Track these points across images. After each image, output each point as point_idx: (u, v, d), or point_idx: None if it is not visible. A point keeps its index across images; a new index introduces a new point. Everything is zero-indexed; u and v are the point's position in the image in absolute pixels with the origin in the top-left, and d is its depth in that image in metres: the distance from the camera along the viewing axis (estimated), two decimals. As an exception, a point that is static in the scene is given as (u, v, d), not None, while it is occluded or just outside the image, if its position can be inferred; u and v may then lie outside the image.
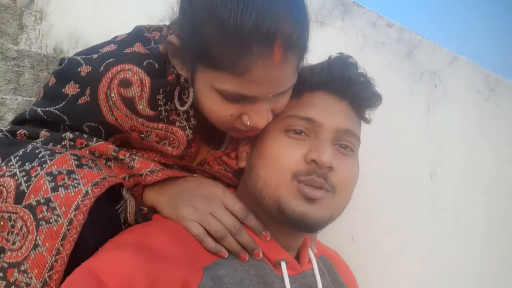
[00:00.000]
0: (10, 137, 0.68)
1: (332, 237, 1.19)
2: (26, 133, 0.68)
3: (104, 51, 0.68)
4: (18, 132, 0.68)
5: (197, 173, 0.78)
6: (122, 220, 0.65)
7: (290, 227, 0.69)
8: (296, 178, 0.64)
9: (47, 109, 0.68)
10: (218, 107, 0.62)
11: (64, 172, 0.59)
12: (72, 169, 0.60)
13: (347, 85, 0.70)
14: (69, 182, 0.58)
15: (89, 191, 0.57)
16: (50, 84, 0.69)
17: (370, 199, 1.18)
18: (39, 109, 0.68)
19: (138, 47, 0.68)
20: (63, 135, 0.68)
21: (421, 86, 1.13)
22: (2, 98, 1.46)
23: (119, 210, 0.65)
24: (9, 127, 0.69)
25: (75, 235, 0.55)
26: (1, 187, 0.58)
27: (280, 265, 0.69)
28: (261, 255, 0.67)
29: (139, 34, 0.72)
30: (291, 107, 0.68)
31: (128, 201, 0.66)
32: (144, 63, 0.66)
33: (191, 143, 0.77)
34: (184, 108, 0.70)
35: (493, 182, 0.99)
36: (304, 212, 0.64)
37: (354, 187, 0.73)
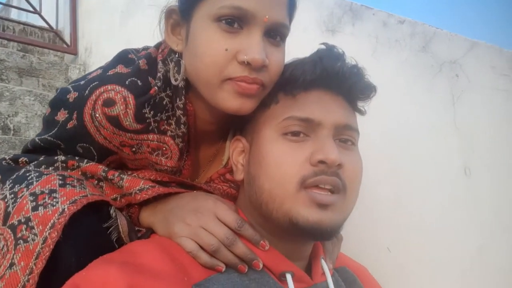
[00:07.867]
0: (13, 164, 0.72)
1: (368, 250, 1.12)
2: (27, 160, 0.72)
3: (91, 76, 0.72)
4: (19, 160, 0.72)
5: (196, 190, 0.77)
6: (114, 240, 0.65)
7: (303, 237, 0.66)
8: (303, 185, 0.61)
9: (43, 137, 0.72)
10: (214, 41, 0.62)
11: (46, 191, 0.60)
12: (55, 188, 0.61)
13: (342, 81, 0.68)
14: (49, 201, 0.59)
15: (66, 209, 0.58)
16: (46, 114, 0.74)
17: (404, 206, 1.10)
18: (37, 138, 0.73)
19: (120, 68, 0.71)
20: (56, 158, 0.71)
21: (442, 78, 1.06)
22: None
23: (110, 229, 0.65)
24: (12, 155, 0.74)
25: (47, 253, 0.55)
26: None
27: (285, 277, 0.65)
28: (261, 266, 0.64)
29: (122, 56, 0.76)
30: (287, 109, 0.67)
31: (119, 220, 0.66)
32: (127, 82, 0.69)
33: (184, 155, 0.77)
34: (178, 81, 0.69)
35: (536, 171, 0.88)
36: (319, 220, 0.60)
37: (361, 182, 0.69)
